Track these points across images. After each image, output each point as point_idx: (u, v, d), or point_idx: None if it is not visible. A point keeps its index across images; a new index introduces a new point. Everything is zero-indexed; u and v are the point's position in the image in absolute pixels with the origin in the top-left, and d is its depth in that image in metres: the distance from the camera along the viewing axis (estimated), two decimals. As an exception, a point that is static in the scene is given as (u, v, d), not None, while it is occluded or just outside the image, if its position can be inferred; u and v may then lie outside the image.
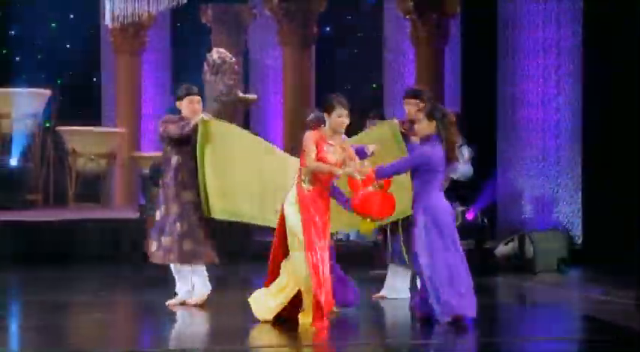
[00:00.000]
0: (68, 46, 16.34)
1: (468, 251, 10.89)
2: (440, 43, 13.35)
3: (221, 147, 8.60)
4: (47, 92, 14.74)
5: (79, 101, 15.37)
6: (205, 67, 12.41)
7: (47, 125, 14.98)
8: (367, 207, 7.85)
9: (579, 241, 12.01)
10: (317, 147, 7.85)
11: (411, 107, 9.19)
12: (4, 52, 16.43)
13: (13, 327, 8.23)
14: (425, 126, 7.89)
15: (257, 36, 15.33)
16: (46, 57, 16.19)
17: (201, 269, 8.68)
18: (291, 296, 7.93)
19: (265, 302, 7.98)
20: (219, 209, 8.59)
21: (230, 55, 12.59)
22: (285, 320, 7.94)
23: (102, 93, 16.16)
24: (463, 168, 11.70)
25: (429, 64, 13.39)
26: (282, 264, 7.98)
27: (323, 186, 7.93)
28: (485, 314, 9.03)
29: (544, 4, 12.10)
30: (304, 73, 14.26)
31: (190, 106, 8.71)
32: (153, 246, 8.69)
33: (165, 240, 8.62)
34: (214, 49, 12.82)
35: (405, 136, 9.03)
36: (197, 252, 8.63)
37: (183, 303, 8.62)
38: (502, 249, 11.31)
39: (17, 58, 16.45)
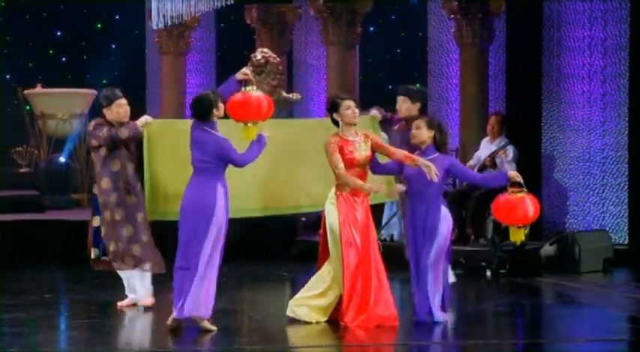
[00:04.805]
0: (114, 46, 16.46)
1: (511, 251, 10.93)
2: (484, 42, 13.29)
3: (170, 146, 8.46)
4: (93, 92, 14.87)
5: (124, 101, 15.46)
6: (249, 68, 12.46)
7: (92, 125, 15.07)
8: (513, 212, 7.94)
9: (625, 242, 11.91)
10: (341, 152, 7.87)
11: (400, 104, 9.20)
12: (50, 52, 16.57)
13: (62, 326, 8.31)
14: (423, 134, 8.02)
15: (301, 36, 15.36)
16: (91, 58, 16.31)
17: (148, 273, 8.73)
18: (335, 298, 7.95)
19: (309, 305, 8.02)
20: (173, 211, 8.39)
21: (274, 55, 12.62)
22: (328, 320, 7.98)
23: (147, 94, 16.27)
24: (508, 167, 11.68)
25: (473, 64, 13.33)
26: (325, 266, 8.00)
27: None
28: (530, 314, 9.01)
29: (590, 3, 12.02)
30: (348, 73, 14.26)
31: (120, 110, 8.62)
32: (94, 253, 8.74)
33: (114, 246, 8.60)
34: (258, 49, 12.86)
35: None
36: (145, 256, 8.63)
37: (134, 304, 8.71)
38: (547, 250, 11.26)
39: (63, 59, 16.58)
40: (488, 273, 10.75)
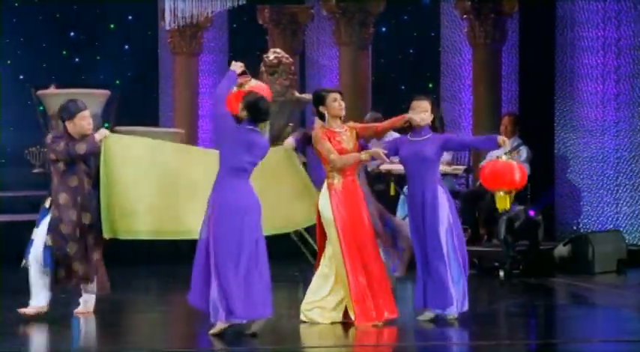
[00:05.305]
0: (127, 47, 16.50)
1: (524, 251, 10.91)
2: (497, 42, 13.29)
3: (127, 162, 8.18)
4: (106, 93, 14.88)
5: (137, 102, 15.50)
6: (262, 68, 12.47)
7: (106, 126, 15.12)
8: (499, 178, 7.99)
9: (639, 242, 11.88)
10: (330, 142, 7.91)
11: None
12: (63, 53, 16.62)
13: (76, 325, 8.32)
14: (428, 117, 8.10)
15: (314, 36, 15.37)
16: (104, 58, 16.35)
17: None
18: (345, 293, 7.96)
19: (321, 306, 8.00)
20: (128, 229, 8.22)
21: (286, 56, 12.62)
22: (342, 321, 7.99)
23: (159, 94, 16.31)
24: (521, 168, 11.67)
25: (486, 64, 13.33)
26: (324, 263, 7.98)
27: (353, 175, 8.00)
28: (543, 315, 8.99)
29: (603, 3, 11.99)
30: (361, 73, 14.26)
31: (83, 123, 8.21)
32: (24, 263, 8.29)
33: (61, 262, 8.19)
34: (271, 50, 12.86)
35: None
36: (90, 276, 8.24)
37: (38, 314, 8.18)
38: (560, 250, 11.23)
39: (76, 60, 16.63)
40: (502, 274, 10.73)
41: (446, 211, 7.98)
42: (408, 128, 8.14)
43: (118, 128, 15.02)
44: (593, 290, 10.26)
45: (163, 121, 16.10)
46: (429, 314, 8.01)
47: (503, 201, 8.08)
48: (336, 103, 8.02)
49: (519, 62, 13.52)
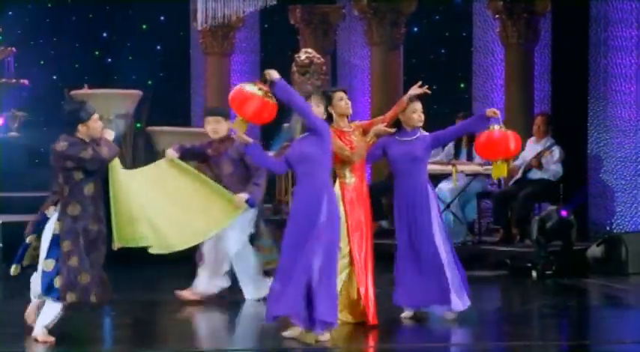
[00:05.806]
0: (159, 47, 16.55)
1: (557, 252, 10.86)
2: (530, 43, 13.22)
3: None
4: (138, 93, 14.94)
5: (168, 102, 15.55)
6: (293, 68, 12.49)
7: (138, 126, 15.18)
8: (495, 147, 8.06)
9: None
10: (341, 141, 7.93)
11: (214, 125, 9.00)
12: (96, 53, 16.70)
13: (107, 325, 8.36)
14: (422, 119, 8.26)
15: (345, 36, 15.36)
16: (136, 58, 16.41)
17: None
18: (354, 294, 7.96)
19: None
20: (139, 236, 7.94)
21: (318, 56, 12.64)
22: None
23: (191, 94, 16.35)
24: (554, 168, 11.62)
25: (518, 64, 13.26)
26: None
27: (362, 172, 8.03)
28: (576, 316, 8.94)
29: (637, 3, 11.91)
30: (392, 73, 14.23)
31: (96, 126, 7.75)
32: (15, 269, 7.77)
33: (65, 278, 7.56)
34: (302, 50, 12.88)
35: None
36: (90, 289, 7.60)
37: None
38: (594, 251, 11.16)
39: (109, 60, 16.70)
40: (534, 274, 10.68)
41: (435, 210, 8.04)
42: (397, 127, 8.17)
43: (150, 128, 15.11)
44: (627, 291, 10.20)
45: (195, 121, 16.14)
46: (408, 313, 8.07)
47: (500, 170, 8.17)
48: (342, 102, 8.00)
49: (552, 62, 13.44)
